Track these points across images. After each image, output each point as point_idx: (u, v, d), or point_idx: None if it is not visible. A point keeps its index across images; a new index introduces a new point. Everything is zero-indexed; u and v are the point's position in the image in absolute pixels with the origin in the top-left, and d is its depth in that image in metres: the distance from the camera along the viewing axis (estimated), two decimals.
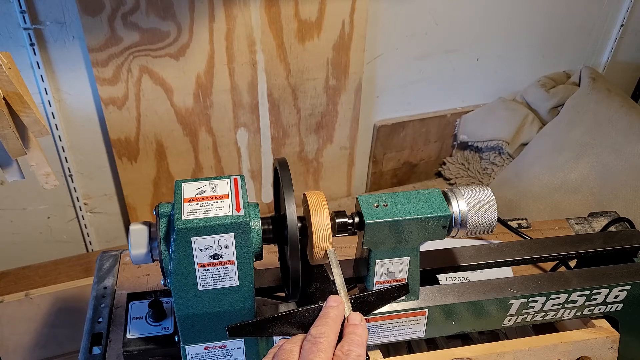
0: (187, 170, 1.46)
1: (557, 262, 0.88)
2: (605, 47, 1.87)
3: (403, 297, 0.67)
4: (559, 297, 0.72)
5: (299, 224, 0.59)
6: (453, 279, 0.83)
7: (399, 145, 1.72)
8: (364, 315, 0.60)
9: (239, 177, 0.59)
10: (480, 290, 0.70)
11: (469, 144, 1.75)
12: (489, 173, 1.70)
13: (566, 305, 0.73)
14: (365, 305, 0.59)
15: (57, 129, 1.29)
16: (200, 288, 0.57)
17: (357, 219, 0.61)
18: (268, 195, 1.60)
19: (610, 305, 0.73)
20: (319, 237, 0.57)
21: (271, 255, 0.69)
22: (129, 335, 0.67)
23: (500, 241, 0.83)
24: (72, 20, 1.18)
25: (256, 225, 0.58)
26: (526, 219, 1.01)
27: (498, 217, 0.63)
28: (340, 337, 0.55)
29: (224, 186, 0.57)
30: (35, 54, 1.18)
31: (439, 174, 1.84)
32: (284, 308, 0.66)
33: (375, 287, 0.65)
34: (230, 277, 0.57)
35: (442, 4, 1.51)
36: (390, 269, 0.64)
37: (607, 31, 1.82)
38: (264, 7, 1.29)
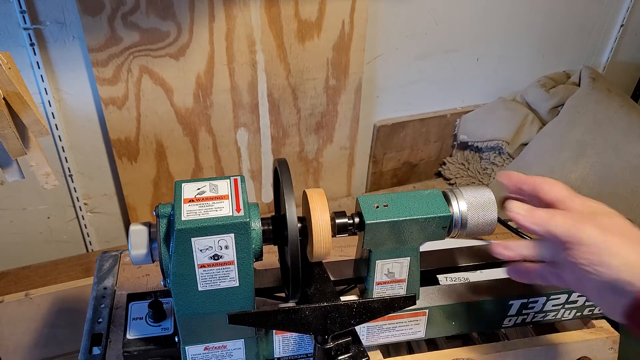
0: (187, 170, 1.46)
1: None
2: (605, 47, 1.87)
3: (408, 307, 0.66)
4: (559, 298, 0.72)
5: (299, 225, 0.59)
6: (453, 280, 0.83)
7: (399, 145, 1.72)
8: (366, 321, 0.60)
9: (239, 178, 0.59)
10: (480, 290, 0.70)
11: (469, 144, 1.75)
12: (489, 173, 1.70)
13: (566, 306, 0.73)
14: (368, 312, 0.59)
15: (57, 129, 1.29)
16: (200, 288, 0.57)
17: (357, 220, 0.61)
18: (268, 195, 1.60)
19: None
20: (319, 237, 0.57)
21: (271, 255, 0.69)
22: (128, 336, 0.67)
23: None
24: (72, 20, 1.18)
25: (256, 225, 0.58)
26: None
27: (498, 217, 0.63)
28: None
29: (224, 186, 0.57)
30: (35, 54, 1.18)
31: (439, 174, 1.84)
32: None
33: (376, 288, 0.65)
34: (230, 278, 0.57)
35: (442, 4, 1.51)
36: (390, 270, 0.64)
37: (607, 31, 1.82)
38: (264, 7, 1.29)
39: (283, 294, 0.72)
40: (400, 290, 0.66)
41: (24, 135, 0.67)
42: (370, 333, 0.69)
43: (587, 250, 0.49)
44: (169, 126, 1.36)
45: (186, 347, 0.62)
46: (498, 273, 0.69)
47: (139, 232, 0.59)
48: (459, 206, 0.62)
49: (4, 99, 0.63)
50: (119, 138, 1.34)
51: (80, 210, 1.43)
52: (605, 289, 0.49)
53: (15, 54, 0.96)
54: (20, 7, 1.12)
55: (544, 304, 0.72)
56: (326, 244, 0.57)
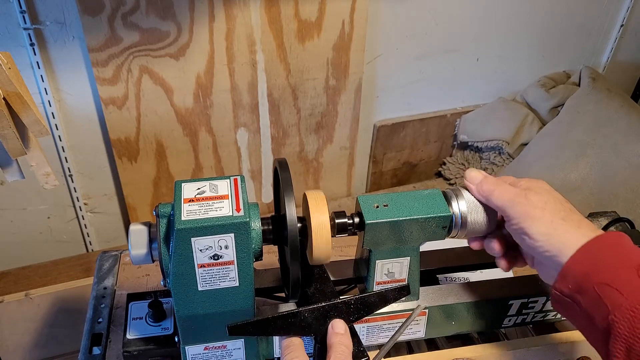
0: (187, 170, 1.46)
1: None
2: (605, 47, 1.86)
3: (403, 297, 0.67)
4: None
5: (299, 225, 0.59)
6: (453, 279, 0.83)
7: (399, 145, 1.72)
8: (365, 316, 0.60)
9: (239, 178, 0.59)
10: (480, 290, 0.70)
11: (469, 144, 1.75)
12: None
13: None
14: (365, 307, 0.59)
15: (57, 129, 1.29)
16: (200, 288, 0.57)
17: (357, 220, 0.61)
18: (268, 195, 1.60)
19: None
20: (319, 238, 0.57)
21: (271, 255, 0.69)
22: (128, 336, 0.67)
23: None
24: (72, 20, 1.18)
25: (256, 225, 0.58)
26: None
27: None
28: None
29: (223, 186, 0.57)
30: (35, 54, 1.18)
31: (439, 174, 1.84)
32: (284, 308, 0.66)
33: (376, 288, 0.65)
34: (230, 278, 0.57)
35: (442, 4, 1.51)
36: (390, 269, 0.64)
37: (607, 31, 1.82)
38: (264, 7, 1.29)
39: (283, 294, 0.72)
40: None
41: (24, 135, 0.67)
42: (370, 333, 0.69)
43: (513, 222, 0.57)
44: (169, 126, 1.36)
45: (186, 347, 0.62)
46: (498, 273, 0.69)
47: (139, 232, 0.59)
48: (459, 206, 0.62)
49: (4, 99, 0.63)
50: (119, 138, 1.34)
51: (80, 210, 1.43)
52: (541, 259, 0.56)
53: (15, 54, 0.96)
54: (20, 7, 1.12)
55: (544, 304, 0.72)
56: (326, 246, 0.57)
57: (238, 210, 0.55)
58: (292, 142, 1.52)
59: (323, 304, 0.57)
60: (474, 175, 0.62)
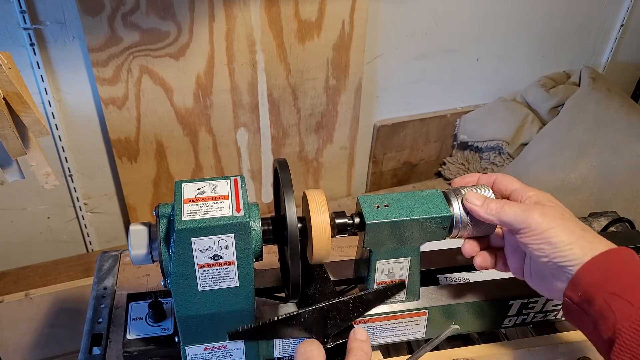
0: (187, 170, 1.46)
1: None
2: (605, 47, 1.87)
3: (403, 297, 0.67)
4: None
5: (299, 225, 0.59)
6: (453, 280, 0.83)
7: (399, 145, 1.72)
8: (363, 314, 0.61)
9: (239, 178, 0.59)
10: (480, 290, 0.70)
11: (469, 144, 1.75)
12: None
13: None
14: (364, 304, 0.60)
15: (57, 129, 1.29)
16: (200, 289, 0.57)
17: (357, 220, 0.61)
18: (268, 195, 1.60)
19: None
20: (319, 238, 0.57)
21: (271, 255, 0.69)
22: (128, 336, 0.67)
23: None
24: (72, 20, 1.18)
25: (256, 225, 0.58)
26: None
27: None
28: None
29: (224, 187, 0.57)
30: (35, 54, 1.18)
31: (439, 174, 1.84)
32: (284, 309, 0.66)
33: (376, 288, 0.65)
34: (230, 278, 0.57)
35: (442, 4, 1.51)
36: (390, 270, 0.64)
37: (607, 31, 1.82)
38: (264, 7, 1.29)
39: (283, 294, 0.72)
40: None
41: (24, 135, 0.67)
42: (370, 333, 0.69)
43: (534, 232, 0.56)
44: (169, 126, 1.36)
45: (186, 347, 0.62)
46: (498, 273, 0.69)
47: (139, 232, 0.58)
48: (460, 206, 0.62)
49: (4, 99, 0.63)
50: (119, 138, 1.34)
51: (80, 210, 1.43)
52: (549, 270, 0.56)
53: (15, 54, 0.96)
54: (20, 7, 1.12)
55: (544, 304, 0.72)
56: (325, 247, 0.57)
57: (238, 210, 0.55)
58: (292, 142, 1.52)
59: (322, 304, 0.57)
60: (476, 196, 0.62)
